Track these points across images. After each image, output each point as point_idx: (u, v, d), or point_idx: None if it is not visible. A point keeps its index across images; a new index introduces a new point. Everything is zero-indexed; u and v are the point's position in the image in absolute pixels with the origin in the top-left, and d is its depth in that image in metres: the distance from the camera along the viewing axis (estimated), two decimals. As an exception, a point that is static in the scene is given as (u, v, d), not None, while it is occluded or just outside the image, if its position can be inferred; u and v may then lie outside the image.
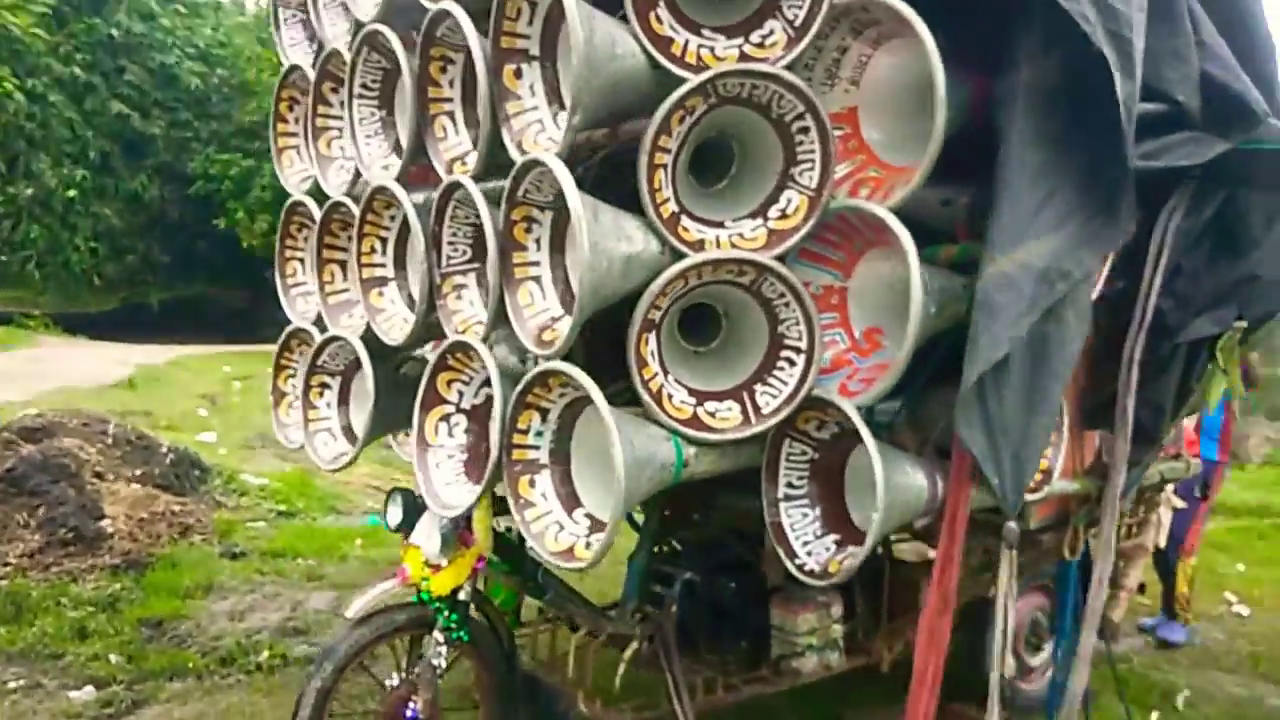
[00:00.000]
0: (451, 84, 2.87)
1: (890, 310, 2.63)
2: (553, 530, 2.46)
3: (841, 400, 2.42)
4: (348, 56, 3.23)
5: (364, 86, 3.17)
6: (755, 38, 2.44)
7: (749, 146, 2.62)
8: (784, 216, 2.47)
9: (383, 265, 3.20)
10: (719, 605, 3.47)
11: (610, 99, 2.34)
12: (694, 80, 2.31)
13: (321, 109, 3.52)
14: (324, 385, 3.55)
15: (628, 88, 2.37)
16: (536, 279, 2.57)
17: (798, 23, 2.38)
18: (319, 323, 3.62)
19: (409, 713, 2.98)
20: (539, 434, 2.52)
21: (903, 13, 2.19)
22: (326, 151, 3.54)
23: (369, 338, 3.24)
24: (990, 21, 2.34)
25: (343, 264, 3.53)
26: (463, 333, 2.79)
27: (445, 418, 2.86)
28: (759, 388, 2.54)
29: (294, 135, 3.91)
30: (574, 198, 2.21)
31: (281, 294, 3.89)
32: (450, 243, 2.87)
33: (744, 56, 2.42)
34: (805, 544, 2.60)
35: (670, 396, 2.48)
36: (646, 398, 2.42)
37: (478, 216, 2.81)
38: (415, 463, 2.82)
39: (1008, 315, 2.23)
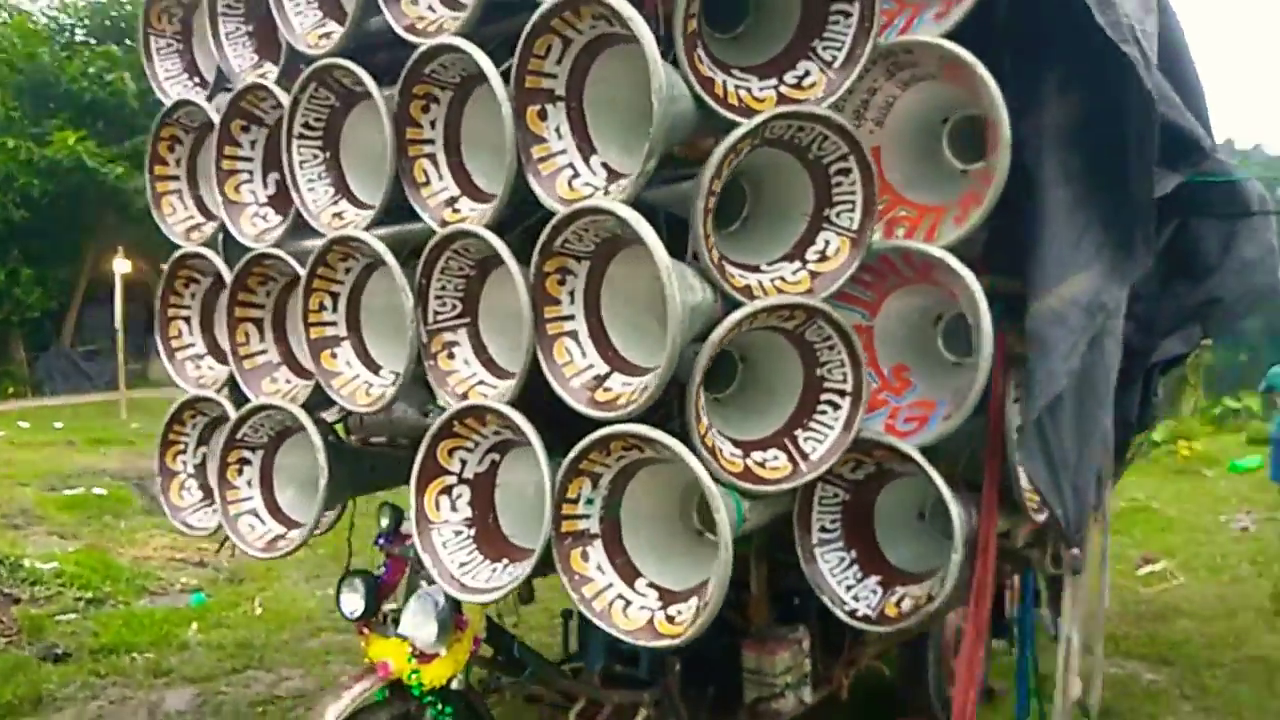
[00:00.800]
0: (434, 124, 2.61)
1: (911, 346, 2.67)
2: (619, 605, 2.26)
3: (899, 442, 2.40)
4: (279, 93, 2.87)
5: (306, 126, 2.83)
6: (791, 78, 2.39)
7: (763, 187, 2.57)
8: (824, 259, 2.42)
9: (334, 324, 2.86)
10: (695, 654, 3.36)
11: (667, 143, 2.21)
12: (750, 123, 2.22)
13: (229, 149, 3.11)
14: (244, 461, 3.12)
15: (680, 130, 2.25)
16: (573, 334, 2.38)
17: (836, 64, 2.35)
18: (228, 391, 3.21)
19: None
20: (589, 502, 2.32)
21: (962, 57, 2.22)
22: (236, 197, 3.14)
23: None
24: (1011, 63, 2.42)
25: (258, 323, 3.13)
26: (464, 395, 2.54)
27: (447, 489, 2.58)
28: (801, 433, 2.48)
29: (175, 179, 3.44)
30: (660, 250, 2.06)
31: (165, 359, 3.41)
32: (439, 297, 2.61)
33: (782, 98, 2.36)
34: (849, 588, 2.56)
35: (721, 450, 2.37)
36: (706, 454, 2.29)
37: (470, 268, 2.60)
38: (418, 543, 2.52)
39: (1061, 349, 2.31)
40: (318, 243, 2.85)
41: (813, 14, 2.38)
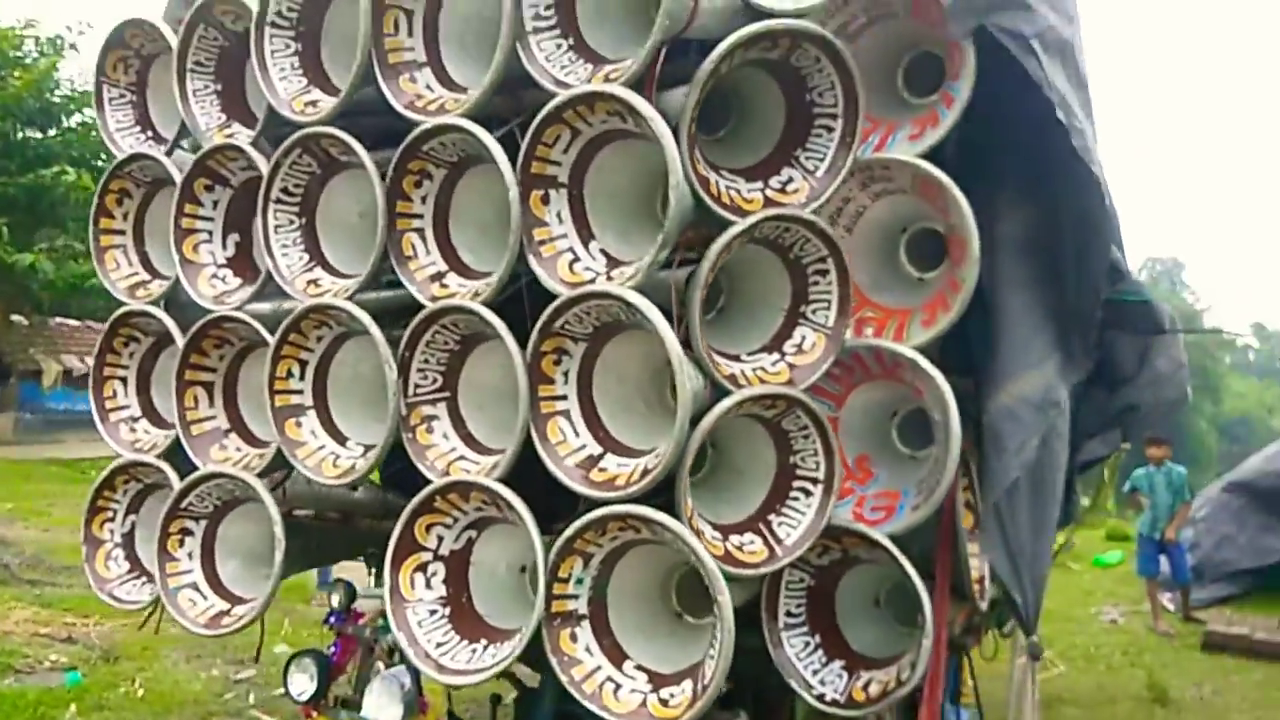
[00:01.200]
0: (424, 200, 2.65)
1: (872, 438, 2.81)
2: (609, 688, 2.27)
3: (871, 530, 2.52)
4: (254, 155, 2.86)
5: (285, 191, 2.81)
6: (775, 183, 2.54)
7: (741, 280, 2.69)
8: (801, 352, 2.55)
9: (300, 393, 2.81)
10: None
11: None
12: (745, 222, 2.35)
13: (190, 208, 3.05)
14: (185, 532, 2.99)
15: (681, 223, 2.35)
16: (565, 413, 2.42)
17: (818, 173, 2.51)
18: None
19: None
20: (579, 581, 2.34)
21: (937, 177, 2.42)
22: (193, 256, 3.08)
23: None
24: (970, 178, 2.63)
25: (208, 387, 3.05)
26: (445, 470, 2.53)
27: (422, 567, 2.55)
28: (774, 519, 2.56)
29: (120, 234, 3.35)
30: (672, 339, 2.14)
31: (99, 420, 3.27)
32: (421, 370, 2.61)
33: (769, 200, 2.50)
34: (815, 672, 2.63)
35: (704, 533, 2.43)
36: (692, 538, 2.35)
37: (456, 343, 2.62)
38: (393, 622, 2.47)
39: (1014, 443, 2.49)
40: (277, 307, 2.84)
41: (797, 126, 2.55)
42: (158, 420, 3.30)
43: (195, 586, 2.98)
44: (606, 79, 2.32)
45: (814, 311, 2.57)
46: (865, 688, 2.56)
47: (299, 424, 2.80)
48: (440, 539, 2.55)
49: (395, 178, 2.59)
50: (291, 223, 2.85)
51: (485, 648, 2.43)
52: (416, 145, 2.54)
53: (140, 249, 3.37)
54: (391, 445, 2.59)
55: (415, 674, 2.64)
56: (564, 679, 2.27)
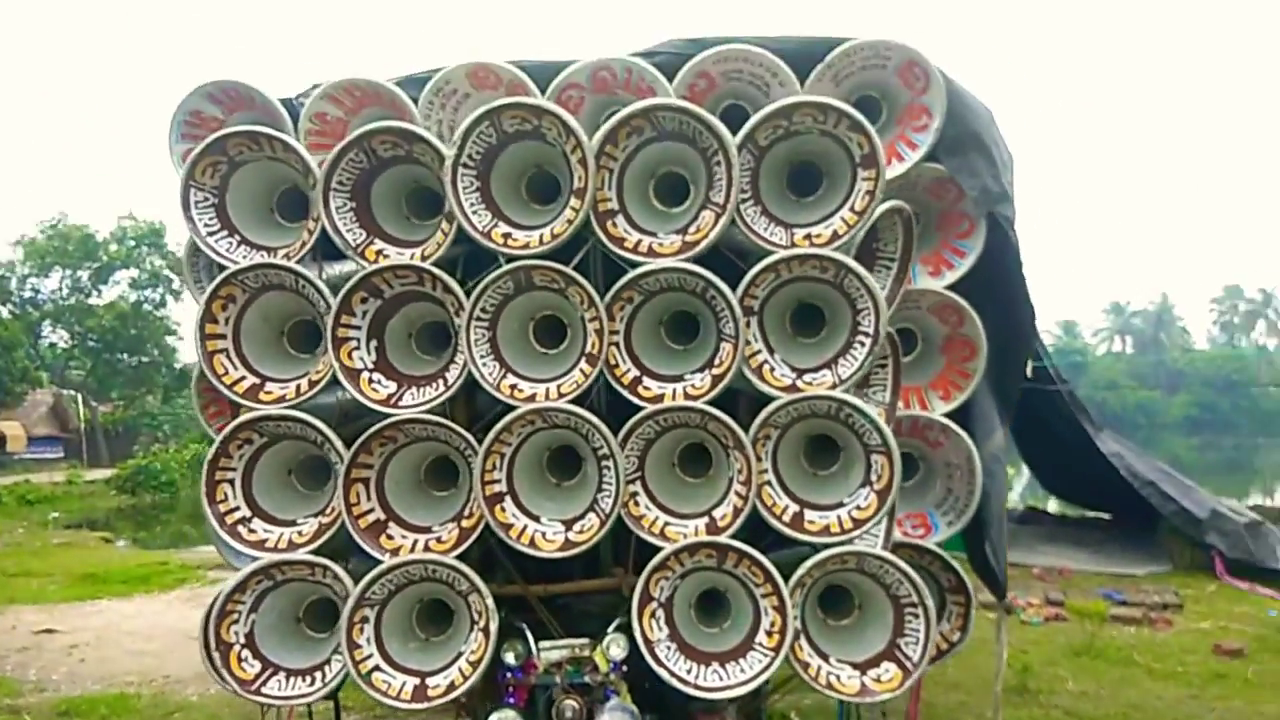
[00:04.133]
0: (622, 319, 3.29)
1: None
2: (832, 679, 3.18)
3: (922, 542, 3.68)
4: (441, 275, 3.24)
5: (483, 310, 3.25)
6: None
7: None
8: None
9: (499, 482, 3.27)
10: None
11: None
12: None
13: (345, 319, 3.31)
14: (364, 620, 3.27)
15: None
16: (768, 483, 3.26)
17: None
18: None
19: None
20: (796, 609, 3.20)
21: (963, 306, 3.66)
22: (349, 362, 3.33)
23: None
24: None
25: (365, 483, 3.34)
26: (661, 534, 3.22)
27: (653, 613, 3.21)
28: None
29: (223, 338, 3.42)
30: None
31: (217, 525, 3.38)
32: (628, 457, 3.26)
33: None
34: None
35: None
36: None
37: (656, 433, 3.31)
38: (649, 659, 3.12)
39: (999, 479, 3.82)
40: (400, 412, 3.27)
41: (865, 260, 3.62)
42: (268, 518, 3.43)
43: (379, 668, 3.26)
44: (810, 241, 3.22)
45: (874, 392, 3.66)
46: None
47: (503, 508, 3.26)
48: (661, 589, 3.23)
49: (610, 303, 3.22)
50: (484, 336, 3.28)
51: (724, 666, 3.18)
52: (632, 281, 3.20)
53: (239, 352, 3.45)
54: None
55: (632, 711, 3.25)
56: (806, 677, 3.13)
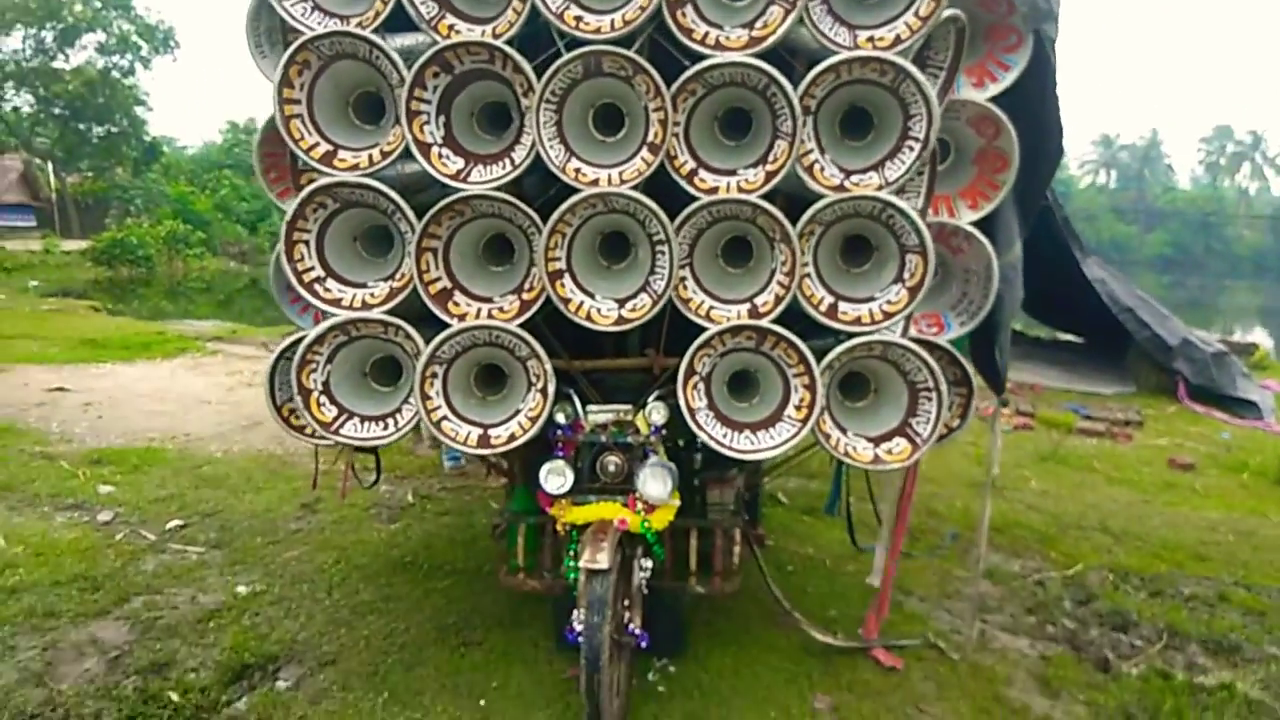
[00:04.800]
0: (680, 111, 3.44)
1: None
2: (847, 446, 3.57)
3: (936, 339, 4.01)
4: (514, 55, 3.35)
5: (552, 93, 3.38)
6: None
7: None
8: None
9: (559, 259, 3.51)
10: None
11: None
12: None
13: (418, 92, 3.44)
14: (434, 375, 3.58)
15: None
16: (808, 275, 3.52)
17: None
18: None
19: (631, 628, 3.62)
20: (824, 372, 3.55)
21: (999, 116, 3.83)
22: (421, 136, 3.50)
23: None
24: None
25: (434, 252, 3.57)
26: (707, 316, 3.51)
27: (696, 385, 3.55)
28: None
29: (297, 103, 3.57)
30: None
31: (295, 281, 3.61)
32: (680, 245, 3.50)
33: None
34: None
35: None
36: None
37: (708, 223, 3.53)
38: (691, 423, 3.48)
39: (1015, 287, 4.11)
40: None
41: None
42: (340, 280, 3.67)
43: (447, 418, 3.60)
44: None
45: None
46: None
47: (563, 284, 3.52)
48: (703, 364, 3.56)
49: (675, 94, 3.36)
50: (551, 119, 3.43)
51: (755, 433, 3.55)
52: (698, 73, 3.34)
53: (312, 119, 3.58)
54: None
55: (670, 467, 3.64)
56: (826, 446, 3.52)
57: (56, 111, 42.07)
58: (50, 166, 43.84)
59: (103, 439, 7.73)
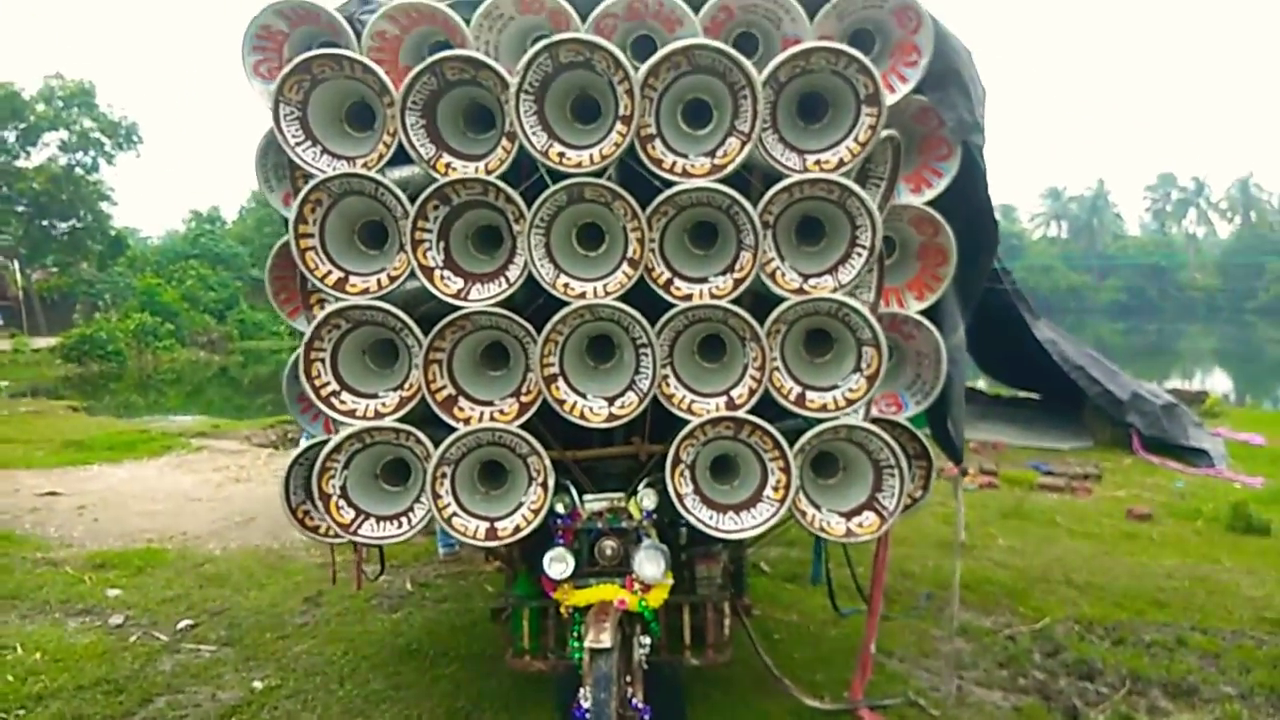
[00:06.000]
0: (653, 230, 3.87)
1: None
2: (821, 522, 3.94)
3: (895, 417, 4.42)
4: (509, 191, 3.77)
5: (540, 219, 3.80)
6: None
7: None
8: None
9: (553, 364, 3.90)
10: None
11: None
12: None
13: (422, 223, 3.85)
14: (443, 475, 3.93)
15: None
16: (777, 369, 3.93)
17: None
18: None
19: (634, 702, 3.93)
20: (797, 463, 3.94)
21: (937, 219, 4.30)
22: (424, 261, 3.89)
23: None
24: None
25: (440, 364, 3.95)
26: (689, 409, 3.90)
27: (682, 472, 3.92)
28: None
29: (311, 236, 3.94)
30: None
31: (314, 395, 3.96)
32: (660, 347, 3.90)
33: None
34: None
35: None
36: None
37: (685, 325, 3.94)
38: (680, 508, 3.84)
39: (960, 367, 4.55)
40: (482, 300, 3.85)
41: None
42: (353, 391, 4.03)
43: (456, 514, 3.94)
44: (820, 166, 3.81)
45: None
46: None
47: (558, 387, 3.90)
48: (688, 453, 3.93)
49: (650, 216, 3.80)
50: (541, 241, 3.85)
51: (738, 515, 3.92)
52: (669, 198, 3.78)
53: (325, 250, 3.97)
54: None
55: (663, 549, 3.99)
56: (803, 523, 3.89)
57: (20, 209, 42.27)
58: (15, 264, 43.95)
59: (101, 542, 7.94)
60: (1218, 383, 31.08)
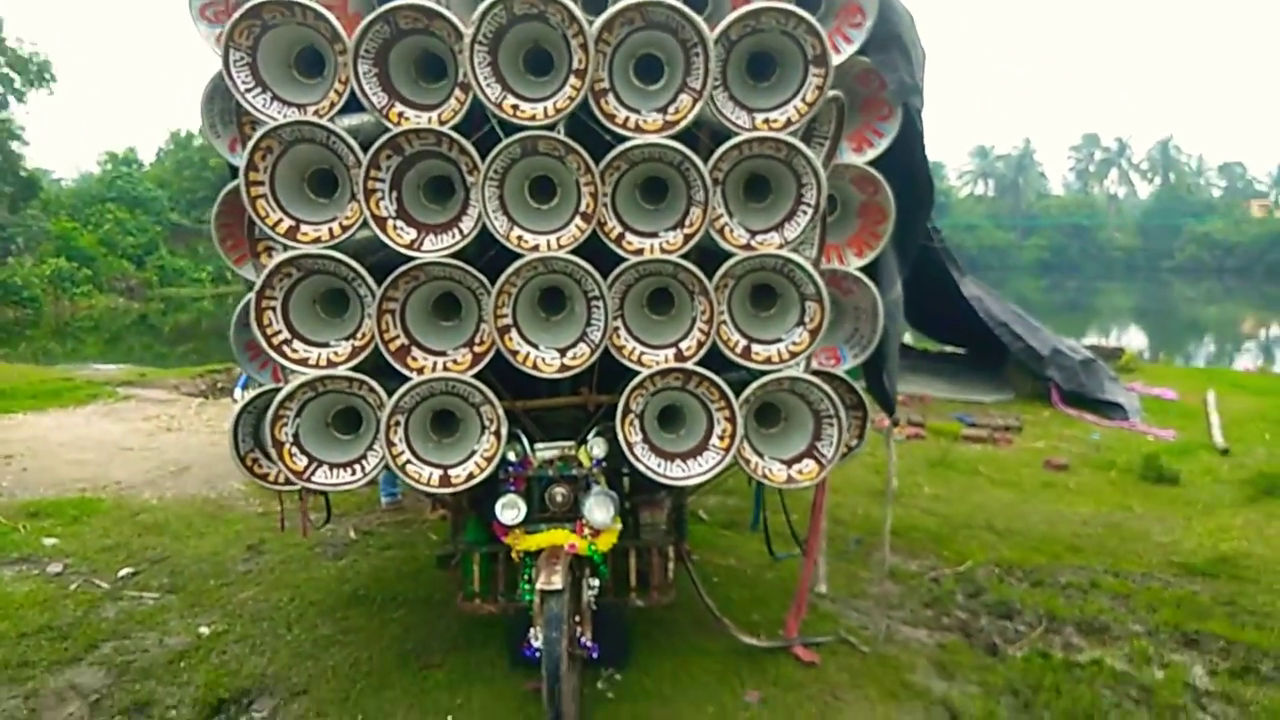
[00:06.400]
0: (607, 183, 3.94)
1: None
2: (764, 470, 4.11)
3: (836, 369, 4.60)
4: (461, 140, 3.80)
5: (495, 171, 3.85)
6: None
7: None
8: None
9: (507, 316, 3.96)
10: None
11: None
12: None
13: (374, 172, 3.87)
14: (397, 423, 3.99)
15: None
16: (725, 322, 4.06)
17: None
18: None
19: (583, 640, 4.08)
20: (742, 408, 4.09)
21: (876, 177, 4.45)
22: (377, 210, 3.91)
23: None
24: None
25: (393, 314, 3.99)
26: (638, 361, 4.02)
27: (631, 422, 4.04)
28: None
29: (261, 184, 3.93)
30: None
31: (265, 343, 3.97)
32: (613, 299, 4.00)
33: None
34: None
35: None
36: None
37: (635, 280, 4.05)
38: (630, 457, 3.97)
39: (897, 320, 4.73)
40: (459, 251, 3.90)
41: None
42: (305, 340, 4.05)
43: (410, 461, 4.01)
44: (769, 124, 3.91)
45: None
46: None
47: (510, 338, 3.97)
48: (638, 403, 4.05)
49: (603, 170, 3.86)
50: (494, 194, 3.89)
51: (684, 462, 4.06)
52: (622, 153, 3.85)
53: (275, 197, 3.95)
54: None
55: (612, 495, 4.12)
56: (747, 470, 4.05)
57: (-75, 149, 40.30)
58: (-79, 206, 41.96)
59: (33, 491, 7.81)
60: (1134, 339, 32.28)
